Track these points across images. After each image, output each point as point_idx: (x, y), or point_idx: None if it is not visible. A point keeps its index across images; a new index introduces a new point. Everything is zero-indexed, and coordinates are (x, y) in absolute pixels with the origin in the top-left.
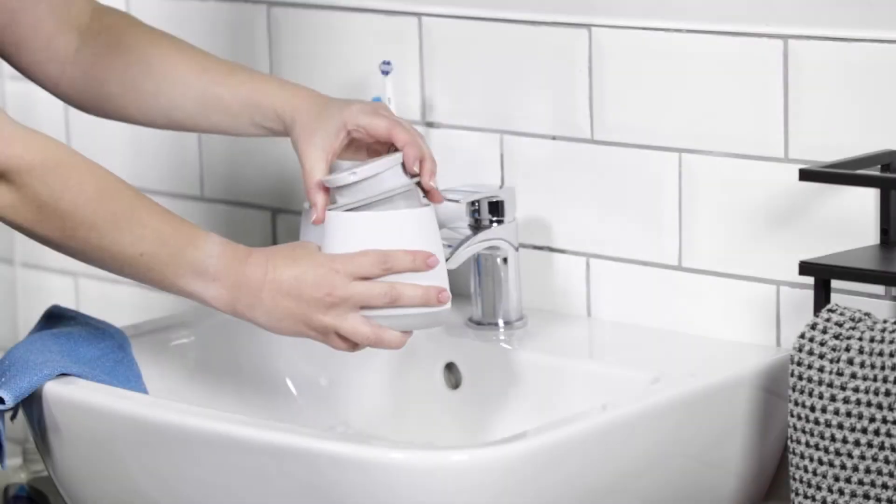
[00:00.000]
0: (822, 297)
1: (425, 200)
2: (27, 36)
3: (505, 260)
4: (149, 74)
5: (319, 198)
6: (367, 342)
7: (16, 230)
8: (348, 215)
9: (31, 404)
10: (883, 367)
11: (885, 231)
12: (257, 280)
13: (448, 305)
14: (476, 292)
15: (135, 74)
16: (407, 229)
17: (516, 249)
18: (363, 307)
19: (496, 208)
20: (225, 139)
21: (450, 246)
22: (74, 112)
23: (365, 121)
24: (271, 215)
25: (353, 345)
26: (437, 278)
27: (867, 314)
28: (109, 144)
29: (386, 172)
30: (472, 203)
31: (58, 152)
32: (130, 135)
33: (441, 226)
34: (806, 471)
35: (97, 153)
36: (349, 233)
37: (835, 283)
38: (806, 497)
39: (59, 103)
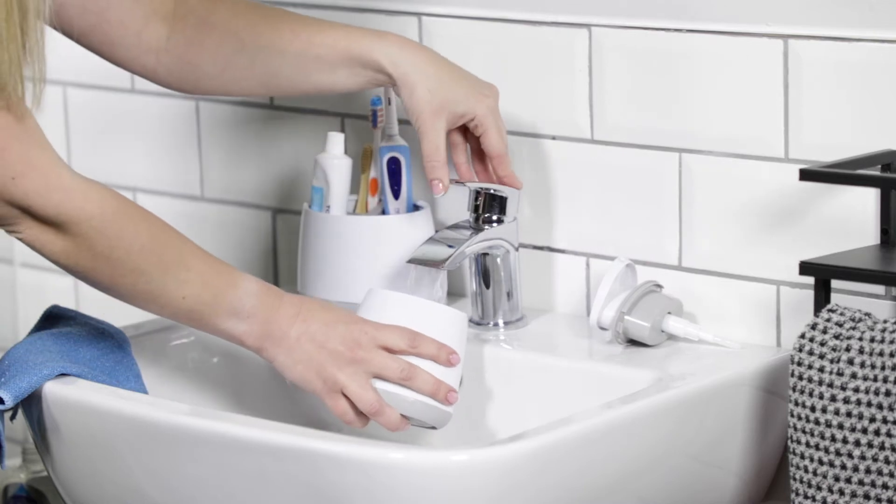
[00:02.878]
0: (822, 297)
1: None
2: (117, 33)
3: (504, 260)
4: (241, 49)
5: (445, 174)
6: (368, 408)
7: (66, 271)
8: (390, 293)
9: (31, 404)
10: (883, 368)
11: (885, 231)
12: (289, 318)
13: (451, 409)
14: (476, 292)
15: (227, 52)
16: (442, 324)
17: (516, 249)
18: (376, 376)
19: (496, 208)
20: (224, 139)
21: (450, 246)
22: (74, 113)
23: (489, 132)
24: (271, 215)
25: (352, 412)
26: (453, 379)
27: (867, 314)
28: (110, 144)
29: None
30: (474, 202)
31: (114, 203)
32: (131, 135)
33: (441, 226)
34: (806, 471)
35: (97, 153)
36: (385, 308)
37: (835, 283)
38: (806, 497)
39: (59, 105)
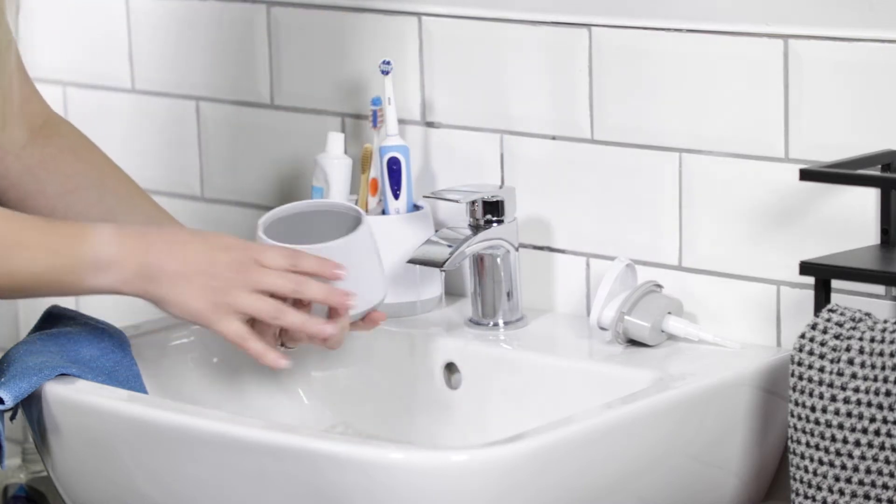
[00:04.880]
0: (822, 297)
1: (357, 211)
2: None
3: (504, 260)
4: (97, 186)
5: (271, 351)
6: (269, 314)
7: None
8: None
9: (31, 404)
10: (883, 368)
11: (885, 231)
12: (164, 254)
13: (367, 304)
14: (476, 292)
15: (81, 182)
16: (337, 257)
17: (516, 249)
18: (268, 292)
19: (496, 208)
20: (224, 139)
21: (450, 246)
22: (74, 113)
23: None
24: None
25: (248, 333)
26: (366, 288)
27: (867, 314)
28: (109, 143)
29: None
30: (472, 203)
31: None
32: (130, 135)
33: (441, 226)
34: (806, 471)
35: None
36: None
37: (835, 283)
38: (806, 497)
39: (59, 105)
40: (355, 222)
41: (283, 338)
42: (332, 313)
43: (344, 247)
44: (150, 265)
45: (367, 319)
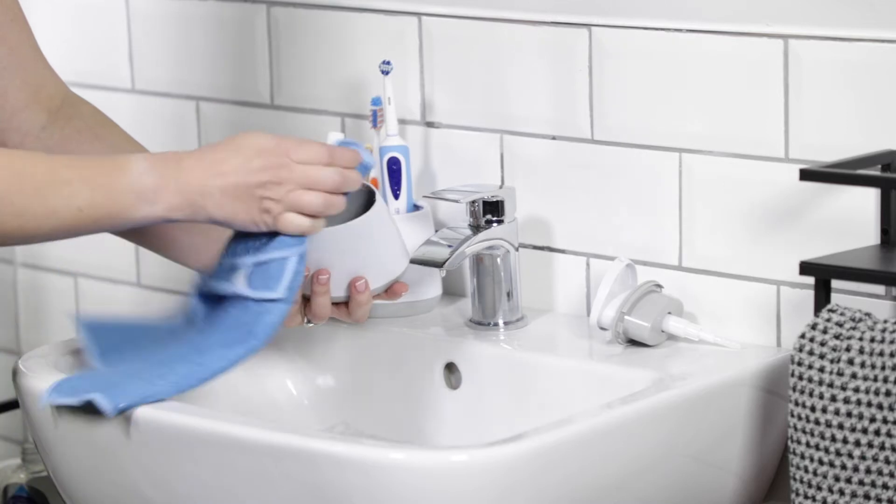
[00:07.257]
0: (822, 297)
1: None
2: None
3: (504, 260)
4: None
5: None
6: (320, 208)
7: None
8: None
9: (32, 404)
10: (883, 368)
11: (885, 231)
12: (201, 173)
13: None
14: (475, 292)
15: None
16: (365, 233)
17: (516, 249)
18: (311, 187)
19: (496, 208)
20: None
21: (450, 246)
22: None
23: None
24: None
25: (305, 218)
26: (389, 259)
27: (867, 314)
28: None
29: None
30: (472, 203)
31: None
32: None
33: (441, 226)
34: (806, 471)
35: None
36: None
37: (835, 283)
38: (806, 497)
39: None
40: (367, 196)
41: (309, 314)
42: (352, 290)
43: (364, 224)
44: (191, 187)
45: (389, 291)
